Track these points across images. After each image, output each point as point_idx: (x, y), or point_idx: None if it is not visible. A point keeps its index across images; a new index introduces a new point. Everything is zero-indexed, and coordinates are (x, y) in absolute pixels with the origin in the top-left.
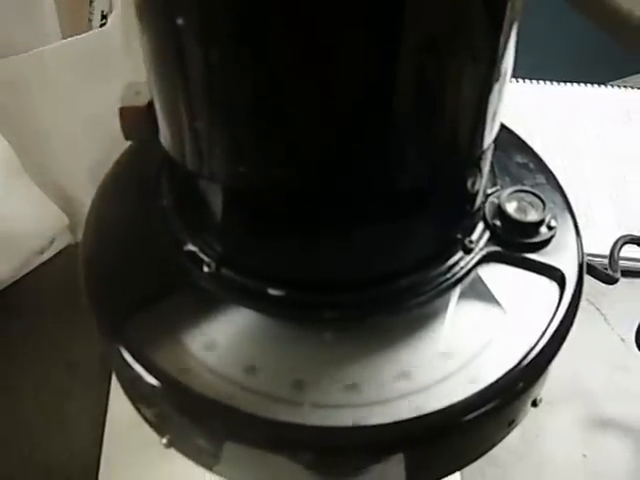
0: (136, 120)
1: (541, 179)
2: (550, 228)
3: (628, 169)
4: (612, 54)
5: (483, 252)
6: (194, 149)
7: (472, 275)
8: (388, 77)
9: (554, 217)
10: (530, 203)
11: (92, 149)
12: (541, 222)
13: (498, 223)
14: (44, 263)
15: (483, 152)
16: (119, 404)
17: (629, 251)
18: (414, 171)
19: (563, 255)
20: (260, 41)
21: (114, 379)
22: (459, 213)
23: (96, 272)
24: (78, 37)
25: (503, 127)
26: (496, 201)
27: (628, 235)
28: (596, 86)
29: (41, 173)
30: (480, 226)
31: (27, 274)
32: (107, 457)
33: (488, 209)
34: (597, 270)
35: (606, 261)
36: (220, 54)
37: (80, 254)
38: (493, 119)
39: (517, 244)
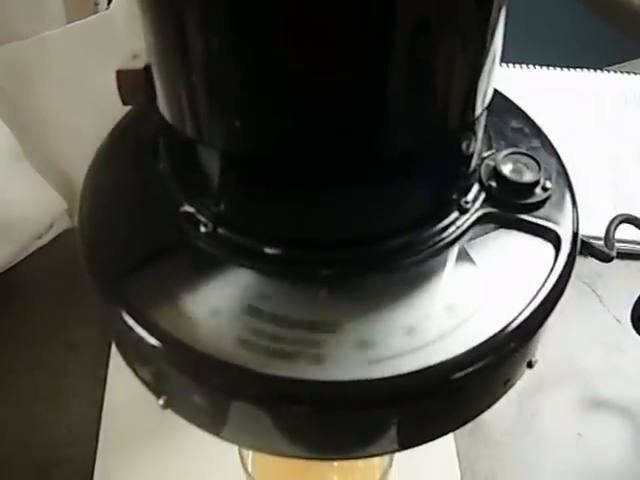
0: (133, 83)
1: (537, 143)
2: (545, 189)
3: (625, 152)
4: (609, 39)
5: (479, 213)
6: (189, 110)
7: (468, 235)
8: (381, 41)
9: (549, 179)
10: (525, 165)
11: (94, 135)
12: (536, 183)
13: (494, 184)
14: (44, 246)
15: (476, 117)
16: (117, 384)
17: (625, 233)
18: (407, 135)
19: (558, 216)
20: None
21: (112, 359)
22: (454, 174)
23: (93, 235)
24: (81, 21)
25: (499, 94)
26: (492, 163)
27: (624, 214)
28: (593, 71)
29: (42, 158)
30: (476, 187)
31: (26, 257)
32: (105, 436)
33: (484, 171)
34: (593, 248)
35: (603, 243)
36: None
37: (77, 218)
38: (486, 85)
39: (512, 205)
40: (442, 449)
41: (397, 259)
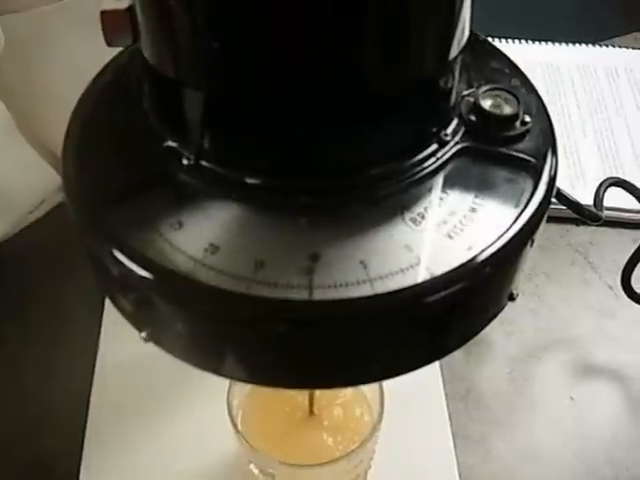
0: (117, 24)
1: (516, 82)
2: (524, 123)
3: (615, 122)
4: (599, 15)
5: (458, 146)
6: (169, 50)
7: (447, 167)
8: None
9: (528, 113)
10: (505, 100)
11: None
12: (515, 117)
13: (473, 118)
14: (38, 220)
15: (453, 58)
16: (109, 352)
17: (618, 201)
18: (384, 71)
19: (537, 150)
20: None
21: (103, 328)
22: (434, 109)
23: (76, 169)
24: None
25: (478, 36)
26: (472, 99)
27: (613, 177)
28: (585, 45)
29: (36, 134)
30: (455, 121)
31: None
32: (96, 399)
33: (464, 106)
34: (582, 208)
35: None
36: None
37: (62, 153)
38: (462, 26)
39: (492, 138)
40: (433, 412)
41: (377, 189)
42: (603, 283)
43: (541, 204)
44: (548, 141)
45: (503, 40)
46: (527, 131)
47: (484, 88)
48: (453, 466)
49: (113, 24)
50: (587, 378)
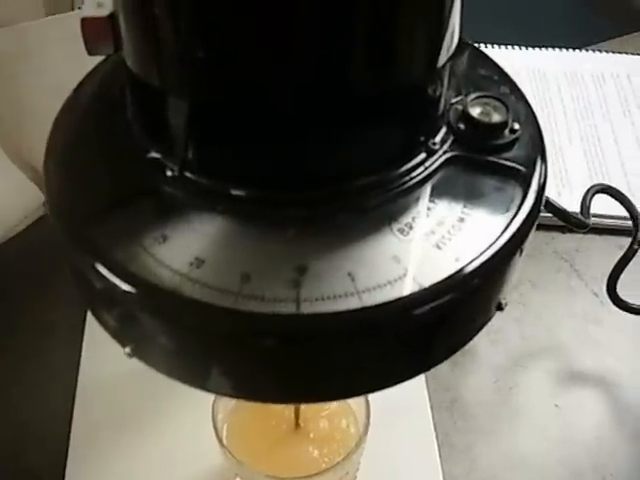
0: (98, 32)
1: (505, 89)
2: (513, 131)
3: (602, 128)
4: (587, 20)
5: (447, 155)
6: (152, 59)
7: (436, 176)
8: None
9: (517, 121)
10: (494, 107)
11: None
12: (504, 124)
13: (462, 126)
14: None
15: (442, 65)
16: (90, 365)
17: (604, 208)
18: (372, 77)
19: (526, 159)
20: None
21: (85, 341)
22: (422, 117)
23: (59, 180)
24: (63, 15)
25: (466, 42)
26: (460, 107)
27: (600, 184)
28: (572, 50)
29: (19, 150)
30: (444, 130)
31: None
32: (79, 414)
33: (452, 114)
34: (569, 215)
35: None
36: None
37: (43, 166)
38: (451, 33)
39: (481, 146)
40: (419, 422)
41: (364, 199)
42: (589, 290)
43: (530, 213)
44: (537, 149)
45: (489, 45)
46: (516, 139)
47: (473, 96)
48: (439, 475)
49: (94, 32)
50: (572, 385)
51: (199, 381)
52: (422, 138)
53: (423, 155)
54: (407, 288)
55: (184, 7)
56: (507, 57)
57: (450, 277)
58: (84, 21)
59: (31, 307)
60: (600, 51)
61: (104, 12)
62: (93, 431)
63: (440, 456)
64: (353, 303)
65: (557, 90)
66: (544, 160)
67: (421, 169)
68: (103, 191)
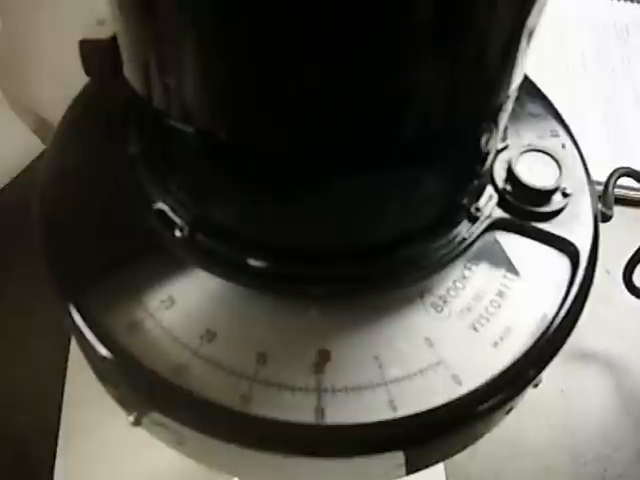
0: (99, 56)
1: (556, 133)
2: (565, 195)
3: (624, 90)
4: None
5: (490, 219)
6: (164, 84)
7: (476, 246)
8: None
9: (569, 183)
10: (544, 163)
11: (76, 78)
12: (555, 189)
13: (508, 187)
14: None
15: (504, 101)
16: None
17: (621, 179)
18: (415, 124)
19: (577, 227)
20: None
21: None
22: (466, 175)
23: (54, 233)
24: None
25: None
26: (506, 161)
27: (623, 167)
28: None
29: (20, 98)
30: (488, 191)
31: None
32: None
33: (497, 170)
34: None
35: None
36: None
37: (36, 211)
38: (520, 64)
39: (528, 212)
40: None
41: (397, 276)
42: (601, 266)
43: (579, 293)
44: (589, 214)
45: None
46: (567, 204)
47: (521, 149)
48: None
49: (94, 56)
50: (579, 369)
51: (204, 462)
52: (465, 200)
53: (464, 223)
54: (439, 384)
55: (193, 29)
56: None
57: (495, 378)
58: (83, 44)
59: (20, 262)
60: (625, 0)
61: (105, 31)
62: (88, 391)
63: None
64: (381, 398)
65: (577, 42)
66: (596, 227)
67: (460, 239)
68: (103, 249)
